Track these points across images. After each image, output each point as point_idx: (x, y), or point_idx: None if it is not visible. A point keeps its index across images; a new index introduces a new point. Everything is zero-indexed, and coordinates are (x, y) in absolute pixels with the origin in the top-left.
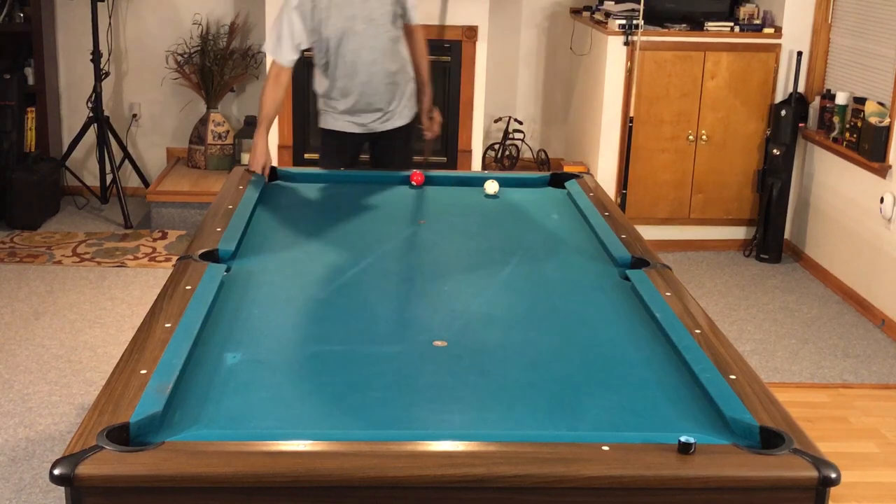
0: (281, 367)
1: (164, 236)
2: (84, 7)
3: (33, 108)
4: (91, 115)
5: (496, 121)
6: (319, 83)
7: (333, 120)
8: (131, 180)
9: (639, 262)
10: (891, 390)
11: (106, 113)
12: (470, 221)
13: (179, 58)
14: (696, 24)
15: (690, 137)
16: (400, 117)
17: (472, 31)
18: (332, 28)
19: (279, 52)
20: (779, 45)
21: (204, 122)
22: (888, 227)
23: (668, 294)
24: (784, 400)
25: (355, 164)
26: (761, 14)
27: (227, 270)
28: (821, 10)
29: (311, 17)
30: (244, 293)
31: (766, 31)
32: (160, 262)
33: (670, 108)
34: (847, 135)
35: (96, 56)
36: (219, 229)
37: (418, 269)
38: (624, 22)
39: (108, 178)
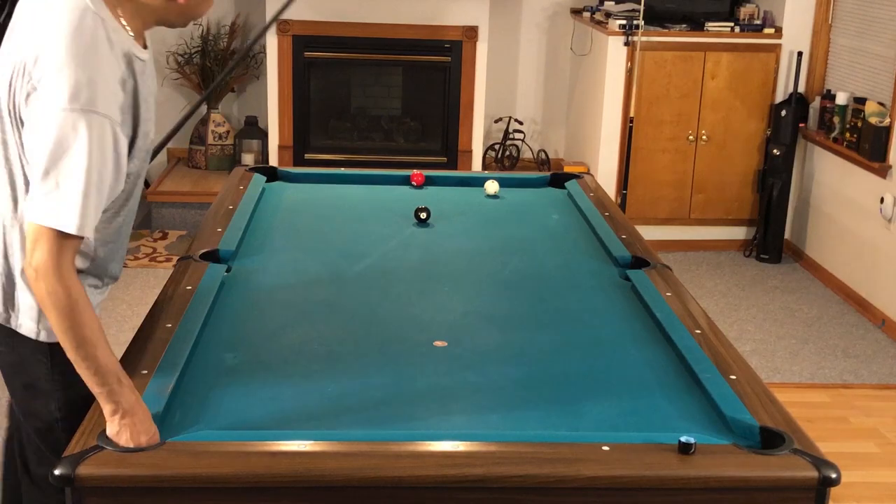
0: (281, 367)
1: (164, 236)
2: None
3: None
4: None
5: (496, 121)
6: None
7: None
8: None
9: (639, 262)
10: (891, 390)
11: None
12: (470, 221)
13: (180, 58)
14: (697, 25)
15: (690, 137)
16: None
17: (472, 31)
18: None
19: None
20: (779, 46)
21: (204, 122)
22: (888, 227)
23: (669, 294)
24: (784, 400)
25: None
26: (761, 14)
27: (228, 270)
28: (821, 10)
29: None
30: (245, 293)
31: (767, 31)
32: (161, 262)
33: (670, 108)
34: (847, 135)
35: None
36: (219, 229)
37: (418, 269)
38: (624, 22)
39: None
